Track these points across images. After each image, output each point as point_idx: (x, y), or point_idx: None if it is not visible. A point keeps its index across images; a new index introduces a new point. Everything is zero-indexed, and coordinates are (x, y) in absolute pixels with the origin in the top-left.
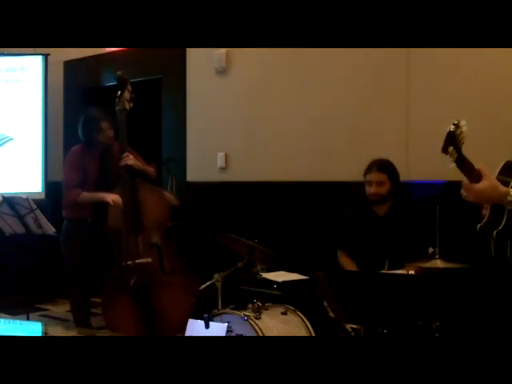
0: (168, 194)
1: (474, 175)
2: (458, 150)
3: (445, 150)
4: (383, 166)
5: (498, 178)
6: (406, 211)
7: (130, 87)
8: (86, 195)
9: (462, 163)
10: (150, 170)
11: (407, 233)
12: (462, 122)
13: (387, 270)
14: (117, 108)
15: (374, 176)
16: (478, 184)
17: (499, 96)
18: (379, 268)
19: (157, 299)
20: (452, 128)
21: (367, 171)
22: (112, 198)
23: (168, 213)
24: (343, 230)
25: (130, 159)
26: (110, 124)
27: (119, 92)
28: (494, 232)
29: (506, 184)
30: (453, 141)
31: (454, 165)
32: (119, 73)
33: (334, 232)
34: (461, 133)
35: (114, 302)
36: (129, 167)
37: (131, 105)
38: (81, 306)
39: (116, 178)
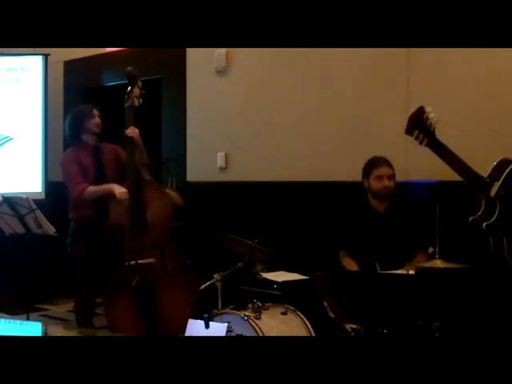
0: (173, 194)
1: (458, 165)
2: (429, 135)
3: (409, 132)
4: (389, 161)
5: (491, 172)
6: (406, 207)
7: (140, 83)
8: (93, 189)
9: (441, 151)
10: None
11: (408, 228)
12: (428, 108)
13: (389, 265)
14: (126, 105)
15: (386, 170)
16: None
17: (499, 96)
18: (381, 264)
19: (159, 299)
20: (415, 112)
21: (375, 166)
22: (119, 190)
23: (172, 213)
24: (344, 228)
25: (135, 133)
26: (100, 114)
27: (129, 88)
28: (484, 224)
29: (497, 178)
30: (417, 124)
31: (425, 147)
32: (129, 69)
33: (335, 231)
34: (427, 118)
35: (116, 302)
36: (132, 139)
37: (140, 101)
38: (85, 306)
39: (111, 176)
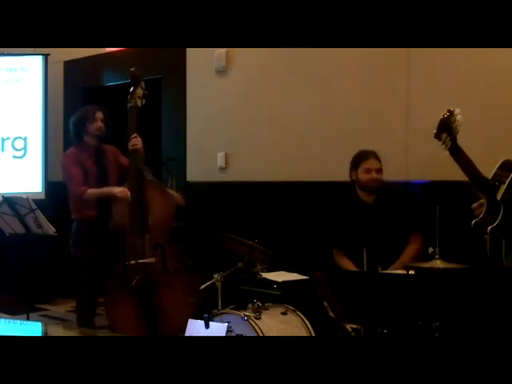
0: (175, 194)
1: (470, 168)
2: (453, 138)
3: (437, 136)
4: (377, 155)
5: (494, 174)
6: (394, 195)
7: (143, 84)
8: (93, 191)
9: (457, 153)
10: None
11: (398, 213)
12: (457, 111)
13: (386, 255)
14: (128, 105)
15: (374, 163)
16: None
17: (499, 96)
18: (377, 256)
19: (159, 299)
20: (446, 115)
21: (363, 159)
22: (119, 190)
23: (174, 213)
24: (338, 228)
25: (139, 143)
26: (104, 117)
27: (132, 88)
28: (489, 228)
29: (501, 181)
30: (446, 127)
31: (447, 153)
32: (133, 69)
33: (329, 232)
34: (455, 121)
35: (117, 302)
36: (137, 152)
37: (143, 102)
38: (87, 306)
39: (113, 177)
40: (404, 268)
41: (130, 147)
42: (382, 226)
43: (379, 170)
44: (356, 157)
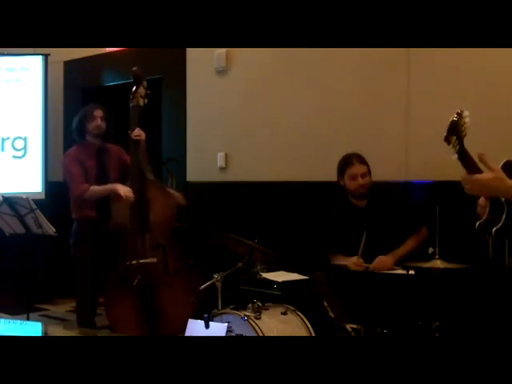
0: (176, 194)
1: (476, 171)
2: (461, 141)
3: (447, 140)
4: (361, 158)
5: None
6: (385, 195)
7: (145, 83)
8: (96, 188)
9: (464, 156)
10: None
11: (393, 214)
12: (465, 113)
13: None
14: (131, 104)
15: (359, 168)
16: (481, 175)
17: (499, 96)
18: (376, 255)
19: (160, 299)
20: (455, 117)
21: (346, 165)
22: (124, 190)
23: (175, 213)
24: (333, 231)
25: (142, 135)
26: (104, 115)
27: (134, 88)
28: (493, 229)
29: None
30: (455, 130)
31: (455, 156)
32: (135, 68)
33: (325, 235)
34: (464, 123)
35: (118, 302)
36: (138, 142)
37: (145, 101)
38: (88, 306)
39: (114, 177)
40: (404, 268)
41: (132, 137)
42: (377, 228)
43: (365, 174)
44: (340, 163)
